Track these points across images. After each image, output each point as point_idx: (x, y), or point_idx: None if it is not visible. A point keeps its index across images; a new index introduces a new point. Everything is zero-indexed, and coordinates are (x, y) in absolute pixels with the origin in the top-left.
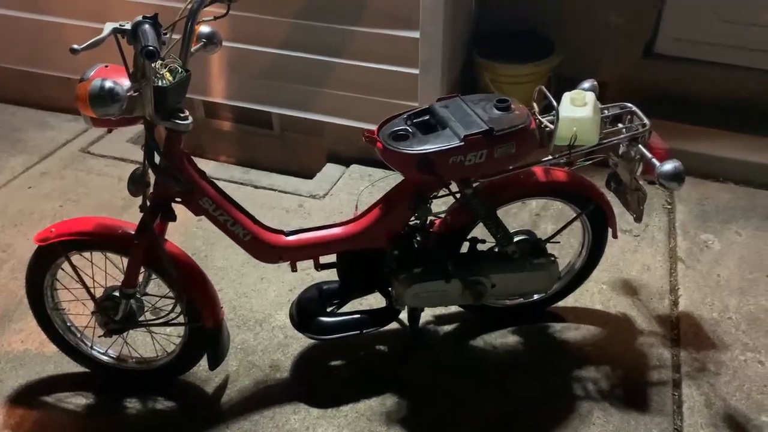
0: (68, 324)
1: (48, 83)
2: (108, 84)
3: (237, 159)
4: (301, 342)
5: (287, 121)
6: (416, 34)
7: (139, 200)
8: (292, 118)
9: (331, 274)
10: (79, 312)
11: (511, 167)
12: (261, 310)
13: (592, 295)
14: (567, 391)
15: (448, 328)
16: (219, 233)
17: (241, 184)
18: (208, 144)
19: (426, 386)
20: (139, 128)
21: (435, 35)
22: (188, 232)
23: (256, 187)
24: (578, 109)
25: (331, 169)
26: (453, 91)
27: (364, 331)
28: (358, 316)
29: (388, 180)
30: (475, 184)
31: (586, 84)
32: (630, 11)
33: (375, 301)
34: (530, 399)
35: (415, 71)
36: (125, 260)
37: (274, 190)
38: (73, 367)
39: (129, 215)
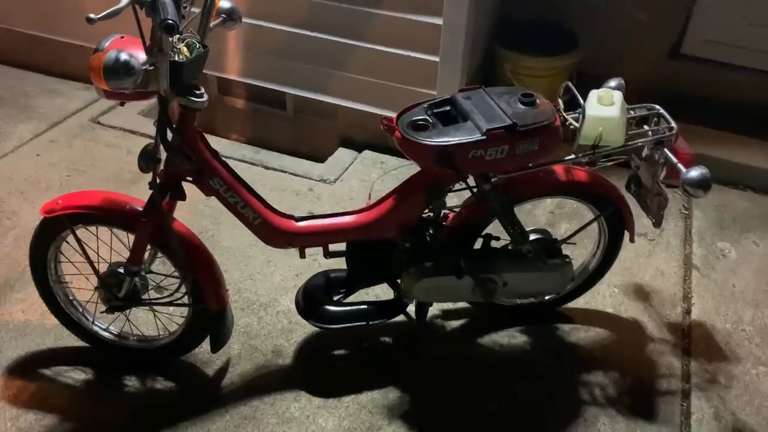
0: (70, 297)
1: (61, 49)
2: (123, 56)
3: (248, 138)
4: (305, 329)
5: (301, 103)
6: (439, 21)
7: (148, 176)
8: (306, 99)
9: (339, 262)
10: (81, 286)
11: (532, 164)
12: (266, 294)
13: (603, 297)
14: (573, 394)
15: (455, 323)
16: (227, 213)
17: (252, 164)
18: (219, 121)
19: (430, 382)
20: (151, 101)
21: (458, 22)
22: (196, 210)
23: (266, 168)
24: (605, 108)
25: (343, 154)
26: (472, 81)
27: (371, 323)
28: (365, 306)
29: (402, 169)
30: (493, 180)
31: (613, 82)
32: (659, 10)
33: (381, 291)
34: (536, 400)
35: (435, 59)
36: (131, 237)
37: (285, 172)
38: (73, 341)
39: (137, 190)
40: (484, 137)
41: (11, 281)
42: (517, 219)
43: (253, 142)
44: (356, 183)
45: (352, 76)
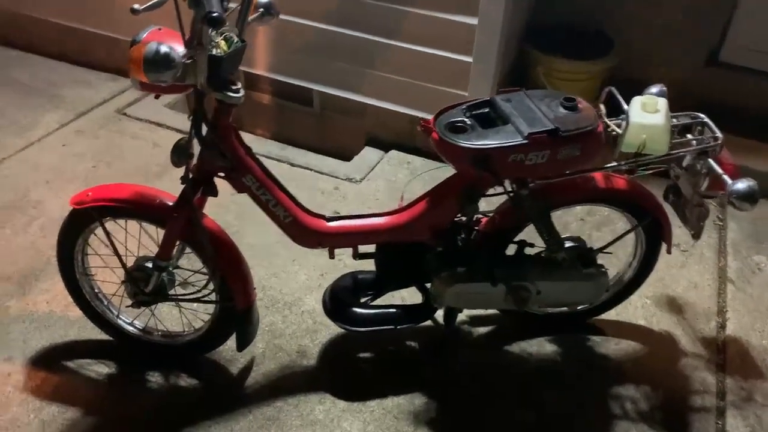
0: (96, 290)
1: (90, 40)
2: (163, 49)
3: (273, 134)
4: (330, 330)
5: (328, 100)
6: (474, 20)
7: (175, 169)
8: (334, 97)
9: (361, 263)
10: (106, 279)
11: (570, 171)
12: (290, 293)
13: (635, 309)
14: (604, 407)
15: (483, 330)
16: (252, 209)
17: (278, 160)
18: (245, 116)
19: (456, 388)
20: (177, 94)
21: (494, 23)
22: (221, 205)
23: (292, 165)
24: (650, 115)
25: (369, 153)
26: (503, 83)
27: (399, 327)
28: (394, 310)
29: (432, 171)
30: (530, 185)
31: (654, 89)
32: (697, 15)
33: (408, 294)
34: (565, 411)
35: (468, 59)
36: (159, 231)
37: (311, 169)
38: (96, 333)
39: (163, 183)
40: (525, 141)
41: (36, 271)
42: (553, 226)
43: (278, 138)
44: (382, 183)
45: (381, 74)
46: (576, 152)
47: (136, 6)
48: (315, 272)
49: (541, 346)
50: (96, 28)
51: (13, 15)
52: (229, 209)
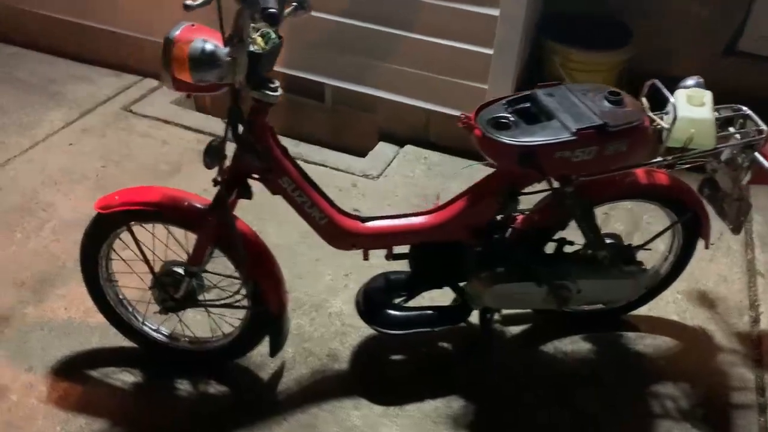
0: (120, 297)
1: (90, 35)
2: (209, 47)
3: (282, 130)
4: (359, 332)
5: (340, 94)
6: (495, 11)
7: (187, 168)
8: (346, 91)
9: (391, 264)
10: (130, 284)
11: (616, 167)
12: (316, 294)
13: (666, 304)
14: (644, 406)
15: (516, 329)
16: (272, 208)
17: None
18: None
19: (492, 391)
20: None
21: (516, 13)
22: (239, 205)
23: (307, 162)
24: (697, 109)
25: (384, 149)
26: (521, 75)
27: (436, 329)
28: (431, 312)
29: (447, 167)
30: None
31: (690, 81)
32: (716, 4)
33: (437, 295)
34: (604, 411)
35: (488, 51)
36: (185, 234)
37: (326, 166)
38: (119, 340)
39: (175, 182)
40: (574, 137)
41: (51, 276)
42: (596, 223)
43: (289, 134)
44: (400, 179)
45: (396, 67)
46: (623, 148)
47: (189, 2)
48: (340, 272)
49: (576, 345)
50: (96, 22)
51: (9, 10)
52: (246, 209)
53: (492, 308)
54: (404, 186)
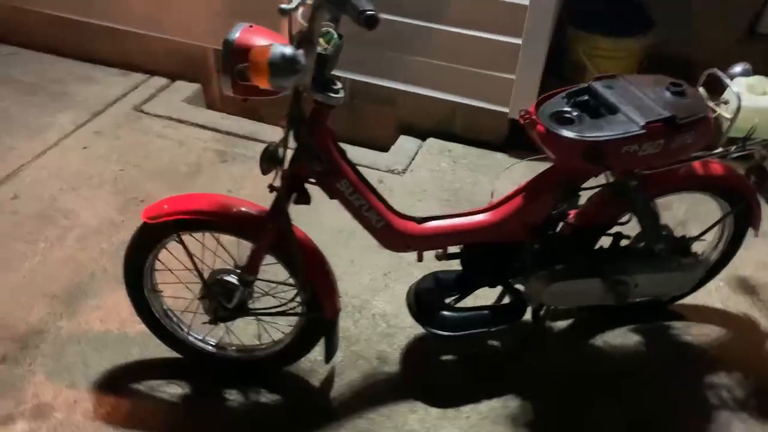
0: (165, 307)
1: (91, 33)
2: (289, 51)
3: None
4: (406, 332)
5: (357, 88)
6: (525, 0)
7: (208, 169)
8: (365, 84)
9: (428, 261)
10: (175, 294)
11: (679, 159)
12: (357, 296)
13: (709, 292)
14: (699, 397)
15: (562, 324)
16: (302, 208)
17: None
18: (266, 107)
19: (546, 388)
20: (193, 86)
21: (547, 2)
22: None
23: None
24: (759, 98)
25: (406, 143)
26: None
27: (493, 329)
28: (486, 312)
29: (471, 161)
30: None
31: (738, 68)
32: None
33: (482, 293)
34: (657, 405)
35: (516, 40)
36: (235, 241)
37: None
38: (160, 351)
39: (197, 184)
40: (642, 131)
41: (82, 287)
42: (658, 217)
43: None
44: (426, 174)
45: (417, 59)
46: (689, 140)
47: (284, 6)
48: (377, 272)
49: (625, 337)
50: (97, 19)
51: (8, 9)
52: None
53: (546, 305)
54: (432, 181)
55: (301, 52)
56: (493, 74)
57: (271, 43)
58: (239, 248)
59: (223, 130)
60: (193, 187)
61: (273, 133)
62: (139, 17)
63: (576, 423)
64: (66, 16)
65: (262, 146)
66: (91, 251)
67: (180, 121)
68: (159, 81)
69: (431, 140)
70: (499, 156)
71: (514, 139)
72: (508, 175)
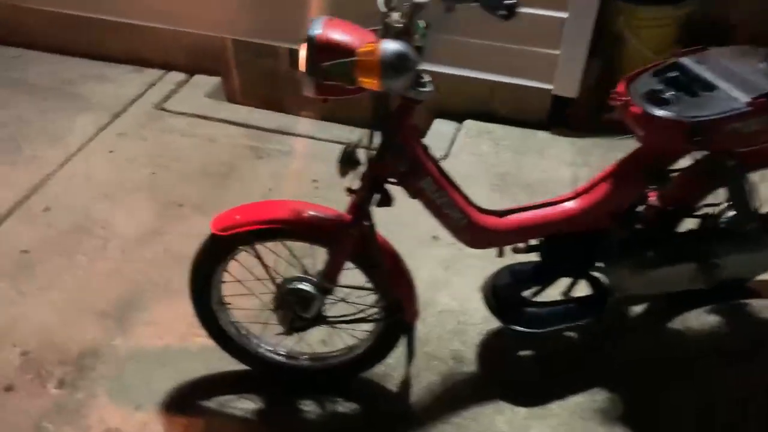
0: (232, 320)
1: (98, 29)
2: (402, 49)
3: (320, 114)
4: (477, 329)
5: None
6: None
7: (246, 168)
8: None
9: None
10: (244, 305)
11: None
12: (419, 293)
13: None
14: None
15: (636, 310)
16: (337, 201)
17: None
18: (288, 97)
19: (630, 377)
20: (213, 80)
21: None
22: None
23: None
24: None
25: (442, 126)
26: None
27: (578, 323)
28: (571, 305)
29: (509, 141)
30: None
31: None
32: None
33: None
34: (742, 389)
35: (561, 14)
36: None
37: None
38: (224, 364)
39: (235, 184)
40: (748, 108)
41: (134, 302)
42: (750, 196)
43: (328, 119)
44: (468, 158)
45: (450, 37)
46: None
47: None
48: (436, 266)
49: (701, 320)
50: (107, 15)
51: (9, 8)
52: None
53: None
54: (476, 165)
55: (411, 48)
56: (536, 50)
57: (377, 40)
58: (310, 255)
59: (252, 125)
60: (232, 188)
61: (303, 126)
62: (149, 10)
63: (664, 411)
64: (72, 13)
65: (296, 140)
66: (136, 262)
67: (206, 118)
68: (176, 76)
69: (469, 122)
70: (542, 135)
71: (557, 117)
72: (557, 156)
